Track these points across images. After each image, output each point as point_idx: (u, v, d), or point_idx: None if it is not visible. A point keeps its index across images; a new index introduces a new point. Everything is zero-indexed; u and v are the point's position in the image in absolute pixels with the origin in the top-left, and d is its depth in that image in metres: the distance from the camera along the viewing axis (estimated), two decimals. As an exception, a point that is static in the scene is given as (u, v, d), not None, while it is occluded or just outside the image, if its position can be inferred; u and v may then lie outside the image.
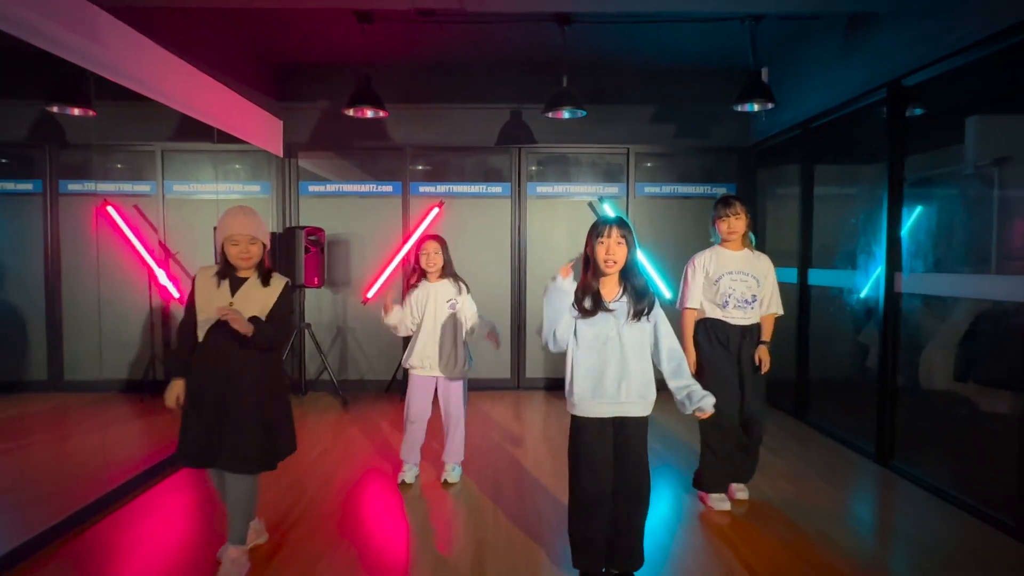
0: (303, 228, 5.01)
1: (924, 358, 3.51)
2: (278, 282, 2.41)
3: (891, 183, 3.61)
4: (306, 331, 5.27)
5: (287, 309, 2.44)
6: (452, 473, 3.35)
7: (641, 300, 2.22)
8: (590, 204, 5.66)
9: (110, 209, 4.99)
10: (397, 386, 5.44)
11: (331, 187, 5.65)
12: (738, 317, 2.97)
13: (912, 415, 3.58)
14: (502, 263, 5.68)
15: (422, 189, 5.64)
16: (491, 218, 5.68)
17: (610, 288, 2.25)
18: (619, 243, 2.19)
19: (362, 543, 2.67)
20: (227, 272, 2.37)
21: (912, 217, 3.58)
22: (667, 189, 5.70)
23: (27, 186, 5.22)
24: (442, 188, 5.66)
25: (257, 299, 2.36)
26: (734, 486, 3.14)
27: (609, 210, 5.58)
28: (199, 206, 5.35)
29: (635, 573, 2.32)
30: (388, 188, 5.64)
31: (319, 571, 2.41)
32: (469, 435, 3.52)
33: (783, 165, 5.20)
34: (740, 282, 2.95)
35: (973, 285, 3.17)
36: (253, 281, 2.37)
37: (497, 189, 5.69)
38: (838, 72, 4.20)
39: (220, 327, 2.28)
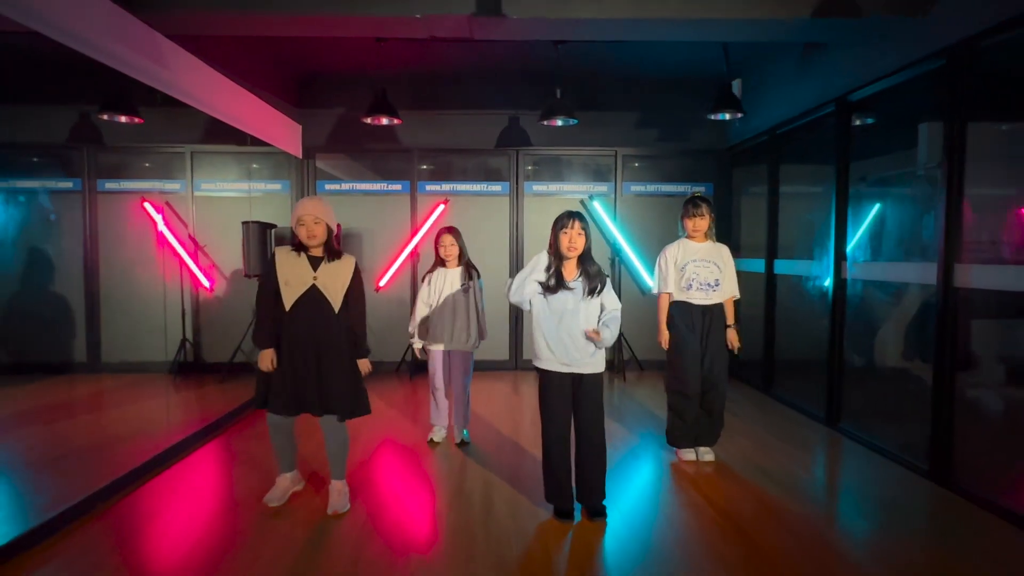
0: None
1: (877, 340, 4.05)
2: (349, 259, 2.81)
3: (838, 184, 4.16)
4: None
5: (362, 285, 2.86)
6: (464, 435, 3.87)
7: (594, 280, 2.73)
8: (581, 202, 6.16)
9: (147, 205, 5.50)
10: (407, 366, 5.98)
11: (345, 186, 6.11)
12: (700, 298, 3.45)
13: (858, 387, 4.13)
14: (501, 255, 6.15)
15: (428, 188, 6.10)
16: (491, 214, 6.14)
17: (570, 270, 2.76)
18: (579, 234, 2.70)
19: (395, 484, 3.22)
20: (301, 249, 2.73)
21: (854, 214, 4.13)
22: (651, 188, 6.20)
23: (67, 184, 5.69)
24: (447, 187, 6.12)
25: (338, 274, 2.75)
26: (701, 449, 3.57)
27: (599, 207, 6.11)
28: (225, 203, 5.84)
29: (606, 506, 2.81)
30: (397, 187, 6.10)
31: (357, 503, 2.97)
32: (476, 406, 4.04)
33: (754, 166, 5.68)
34: (703, 268, 3.45)
35: (895, 271, 3.74)
36: (328, 260, 2.76)
37: (497, 188, 6.15)
38: (797, 87, 4.73)
39: (307, 298, 2.69)
